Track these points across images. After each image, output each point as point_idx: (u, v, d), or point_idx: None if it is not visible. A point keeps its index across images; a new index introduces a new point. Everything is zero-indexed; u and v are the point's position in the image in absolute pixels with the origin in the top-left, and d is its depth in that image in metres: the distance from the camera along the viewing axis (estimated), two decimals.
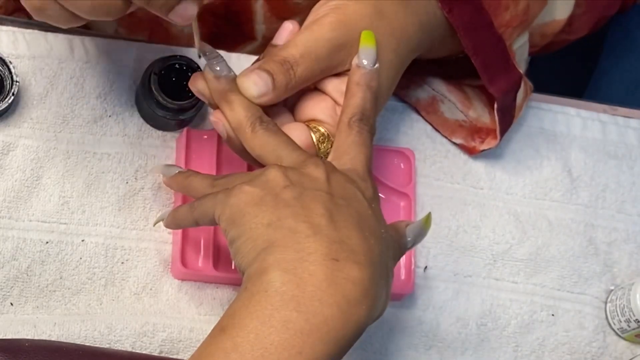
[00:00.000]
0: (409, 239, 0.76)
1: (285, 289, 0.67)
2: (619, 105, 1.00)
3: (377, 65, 0.78)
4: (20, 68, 0.86)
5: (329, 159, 0.77)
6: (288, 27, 0.80)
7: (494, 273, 0.92)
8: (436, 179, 0.93)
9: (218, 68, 0.77)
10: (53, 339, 0.81)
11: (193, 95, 0.85)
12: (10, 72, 0.84)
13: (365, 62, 0.78)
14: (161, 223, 0.81)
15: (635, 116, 0.99)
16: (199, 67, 0.85)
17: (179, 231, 0.85)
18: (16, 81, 0.84)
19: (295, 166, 0.73)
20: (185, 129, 0.87)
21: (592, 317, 0.93)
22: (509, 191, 0.94)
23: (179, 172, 0.80)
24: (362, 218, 0.71)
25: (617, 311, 0.91)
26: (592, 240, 0.94)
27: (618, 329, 0.92)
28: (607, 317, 0.93)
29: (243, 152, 0.78)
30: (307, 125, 0.79)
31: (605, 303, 0.93)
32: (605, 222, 0.95)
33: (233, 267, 0.86)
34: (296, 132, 0.78)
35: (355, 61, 0.79)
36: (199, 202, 0.75)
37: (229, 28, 0.93)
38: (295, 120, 0.81)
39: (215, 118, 0.78)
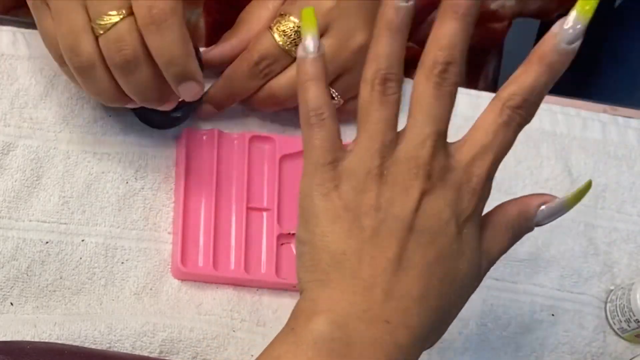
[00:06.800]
0: (536, 220, 0.69)
1: (334, 347, 0.65)
2: (619, 105, 1.00)
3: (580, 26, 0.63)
4: (20, 68, 0.86)
5: (461, 142, 0.66)
6: None
7: (494, 273, 0.92)
8: None
9: None
10: (53, 339, 0.81)
11: None
12: None
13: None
14: None
15: (635, 116, 0.99)
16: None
17: (179, 231, 0.85)
18: None
19: (395, 161, 0.65)
20: (185, 129, 0.87)
21: (592, 317, 0.93)
22: (509, 191, 0.94)
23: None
24: (439, 259, 0.66)
25: (617, 311, 0.91)
26: (592, 240, 0.94)
27: (618, 329, 0.92)
28: (607, 317, 0.93)
29: None
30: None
31: (605, 303, 0.93)
32: (605, 222, 0.95)
33: (233, 267, 0.86)
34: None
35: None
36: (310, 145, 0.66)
37: (234, 14, 0.91)
38: None
39: None
